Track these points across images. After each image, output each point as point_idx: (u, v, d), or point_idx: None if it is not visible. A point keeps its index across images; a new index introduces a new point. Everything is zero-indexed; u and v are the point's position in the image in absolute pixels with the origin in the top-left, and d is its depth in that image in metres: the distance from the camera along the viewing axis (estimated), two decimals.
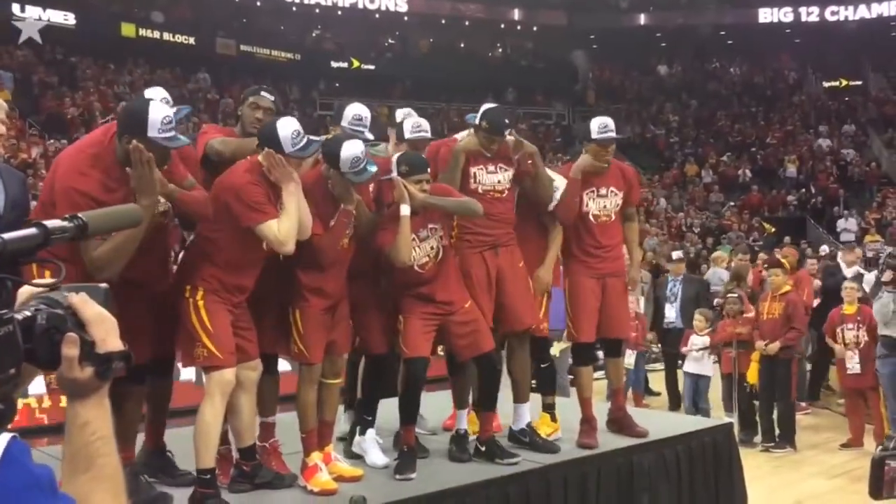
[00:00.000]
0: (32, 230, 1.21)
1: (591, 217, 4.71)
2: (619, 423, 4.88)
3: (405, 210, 3.92)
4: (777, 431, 7.30)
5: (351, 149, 3.66)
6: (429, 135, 4.54)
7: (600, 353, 5.72)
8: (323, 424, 3.99)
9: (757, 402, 7.57)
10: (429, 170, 4.08)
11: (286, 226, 3.42)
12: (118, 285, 3.24)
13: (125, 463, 3.49)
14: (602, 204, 4.74)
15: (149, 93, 3.62)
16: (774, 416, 7.39)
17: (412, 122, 4.51)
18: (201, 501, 3.41)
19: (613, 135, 4.69)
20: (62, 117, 18.94)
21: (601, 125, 4.66)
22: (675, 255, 9.96)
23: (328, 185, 3.77)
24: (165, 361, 3.76)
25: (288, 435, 4.16)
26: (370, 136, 4.20)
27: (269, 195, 3.48)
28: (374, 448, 4.24)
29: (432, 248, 4.12)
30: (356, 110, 4.14)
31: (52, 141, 16.71)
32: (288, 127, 3.51)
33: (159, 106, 3.19)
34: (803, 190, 24.30)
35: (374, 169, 3.76)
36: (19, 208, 3.20)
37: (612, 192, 4.75)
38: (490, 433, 4.31)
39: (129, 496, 3.37)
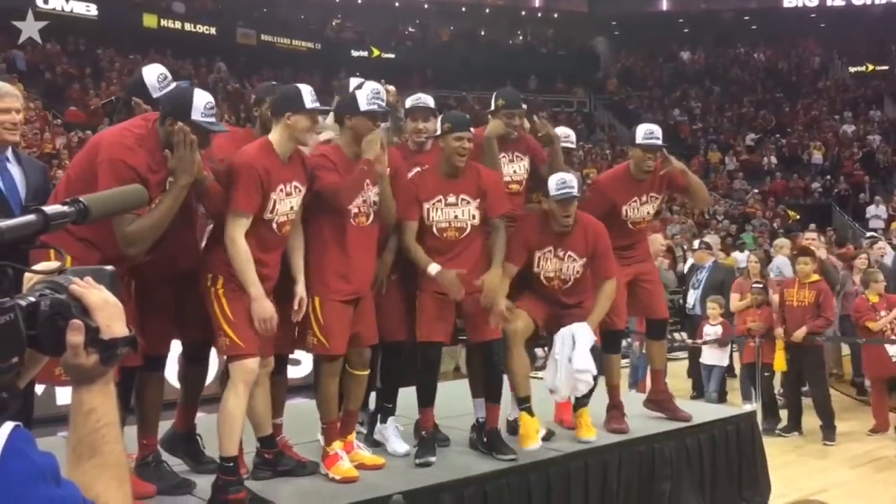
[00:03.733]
0: (31, 217, 1.20)
1: (629, 224, 4.77)
2: (660, 404, 4.93)
3: (433, 269, 3.95)
4: (819, 423, 7.18)
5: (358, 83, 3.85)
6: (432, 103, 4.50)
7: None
8: (347, 414, 3.99)
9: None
10: (472, 129, 4.13)
11: (241, 238, 3.41)
12: (142, 271, 3.31)
13: (148, 450, 3.54)
14: (646, 211, 4.80)
15: (148, 69, 3.65)
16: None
17: (413, 97, 4.47)
18: (224, 489, 3.42)
19: (659, 142, 4.70)
20: (86, 108, 19.09)
21: (647, 131, 4.69)
22: (695, 243, 9.90)
23: (346, 151, 3.79)
24: (198, 347, 3.76)
25: (308, 423, 4.18)
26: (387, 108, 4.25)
27: (261, 185, 3.45)
28: (395, 436, 4.24)
29: (456, 217, 4.08)
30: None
31: (74, 132, 16.83)
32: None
33: (202, 92, 3.30)
34: (828, 177, 24.00)
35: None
36: (41, 198, 3.23)
37: (652, 197, 4.80)
38: (494, 424, 4.24)
39: (153, 482, 3.40)
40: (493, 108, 4.44)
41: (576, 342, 4.22)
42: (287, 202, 3.57)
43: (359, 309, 3.86)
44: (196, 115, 3.21)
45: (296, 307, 3.67)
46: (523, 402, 4.20)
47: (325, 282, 3.75)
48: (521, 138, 4.52)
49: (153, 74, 3.54)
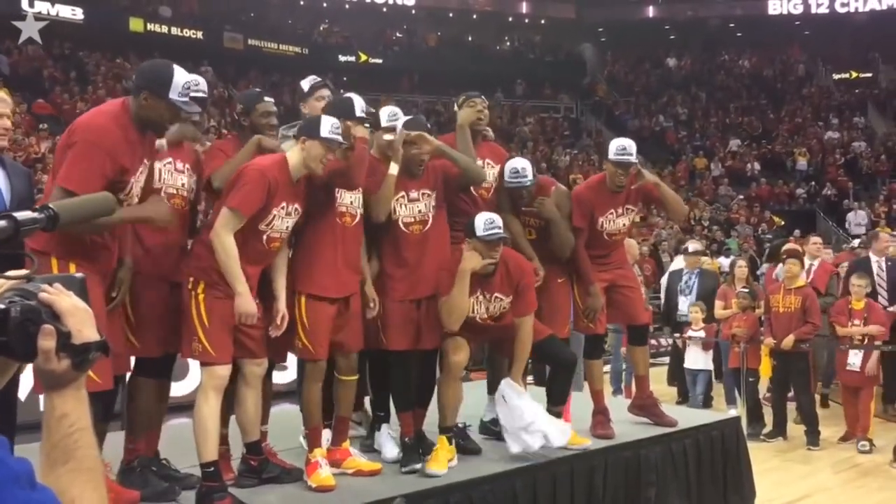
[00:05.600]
0: (2, 223, 1.21)
1: (605, 236, 4.81)
2: (646, 409, 4.96)
3: (393, 168, 3.97)
4: (804, 429, 7.21)
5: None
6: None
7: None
8: (339, 420, 3.99)
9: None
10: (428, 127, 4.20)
11: (228, 235, 3.40)
12: (142, 277, 3.42)
13: (134, 454, 3.53)
14: (621, 223, 4.83)
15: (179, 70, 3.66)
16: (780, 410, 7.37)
17: (389, 111, 4.38)
18: (208, 495, 3.41)
19: (632, 158, 4.67)
20: (71, 112, 18.99)
21: (619, 147, 4.68)
22: (693, 247, 9.77)
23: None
24: (167, 360, 3.73)
25: (293, 428, 4.17)
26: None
27: (267, 195, 3.46)
28: (388, 442, 4.24)
29: (420, 211, 4.12)
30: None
31: (59, 137, 16.72)
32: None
33: (183, 71, 3.25)
34: (813, 183, 24.18)
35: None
36: (25, 204, 3.21)
37: (628, 209, 4.83)
38: (411, 430, 4.16)
39: (137, 488, 3.40)
40: (457, 106, 4.55)
41: (507, 401, 4.17)
42: (284, 221, 3.60)
43: (346, 313, 3.86)
44: (173, 94, 3.17)
45: (278, 322, 3.67)
46: (447, 431, 4.08)
47: (313, 278, 3.75)
48: (489, 147, 4.65)
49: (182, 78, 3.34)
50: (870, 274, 7.93)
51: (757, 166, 25.34)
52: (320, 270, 3.77)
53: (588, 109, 30.71)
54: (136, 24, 24.02)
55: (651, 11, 33.16)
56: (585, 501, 4.23)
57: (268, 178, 3.46)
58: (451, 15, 31.65)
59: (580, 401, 4.97)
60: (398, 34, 30.99)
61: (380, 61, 28.51)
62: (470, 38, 31.80)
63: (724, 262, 14.62)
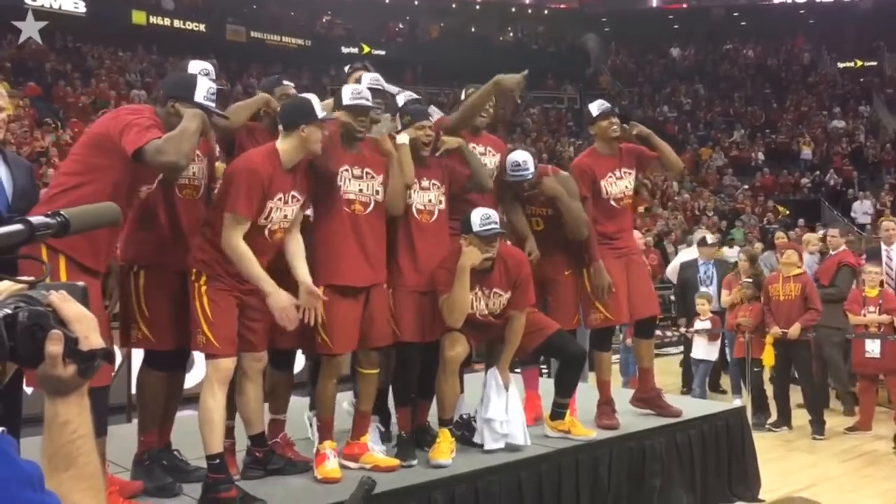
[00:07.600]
0: (18, 226, 1.21)
1: (612, 202, 4.80)
2: (649, 401, 4.95)
3: (403, 138, 4.00)
4: (809, 418, 7.20)
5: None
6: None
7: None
8: (359, 415, 3.98)
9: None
10: (431, 119, 4.20)
11: (237, 240, 3.40)
12: (158, 271, 3.47)
13: (144, 447, 3.55)
14: (623, 185, 4.83)
15: (192, 65, 3.75)
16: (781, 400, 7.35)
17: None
18: (214, 487, 3.41)
19: (610, 108, 4.87)
20: (74, 105, 19.00)
21: (598, 104, 4.87)
22: (711, 239, 9.73)
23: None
24: (178, 353, 3.73)
25: (297, 420, 4.16)
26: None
27: (262, 191, 3.45)
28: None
29: (430, 201, 4.14)
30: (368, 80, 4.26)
31: (63, 130, 16.74)
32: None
33: (205, 79, 3.42)
34: (817, 172, 24.10)
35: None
36: (27, 198, 3.21)
37: (626, 172, 4.84)
38: (408, 425, 4.17)
39: (144, 481, 3.40)
40: (464, 95, 4.65)
41: (484, 391, 4.22)
42: (283, 211, 3.58)
43: (370, 306, 3.86)
44: (199, 98, 3.30)
45: (318, 304, 3.60)
46: (448, 423, 4.12)
47: (330, 267, 3.73)
48: (489, 137, 4.66)
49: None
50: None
51: (761, 156, 25.27)
52: (336, 259, 3.74)
53: (592, 100, 30.56)
54: (138, 17, 24.03)
55: (654, 1, 33.07)
56: (590, 492, 4.24)
57: (262, 176, 3.44)
58: (453, 6, 31.58)
59: (585, 392, 4.96)
60: (400, 25, 30.93)
61: (382, 53, 28.41)
62: (472, 29, 31.73)
63: (728, 252, 14.56)
